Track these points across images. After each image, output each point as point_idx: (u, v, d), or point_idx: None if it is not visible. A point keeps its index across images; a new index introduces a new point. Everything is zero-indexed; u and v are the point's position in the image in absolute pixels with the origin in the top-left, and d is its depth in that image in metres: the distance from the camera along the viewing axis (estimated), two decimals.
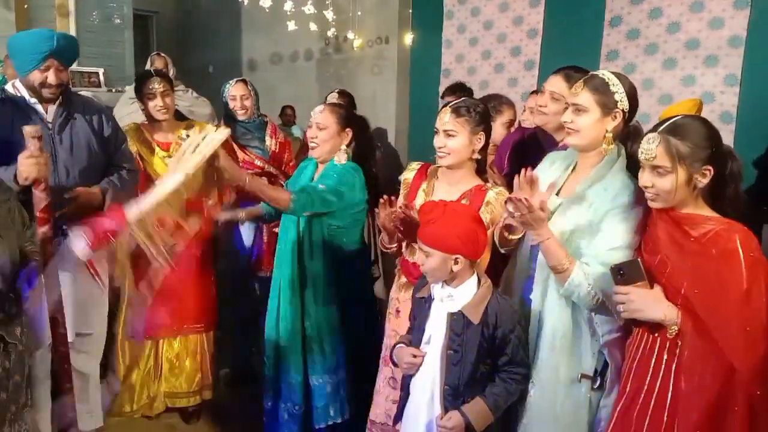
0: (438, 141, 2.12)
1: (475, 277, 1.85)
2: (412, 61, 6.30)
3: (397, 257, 2.38)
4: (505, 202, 1.78)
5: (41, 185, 2.09)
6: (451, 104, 2.13)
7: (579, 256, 1.78)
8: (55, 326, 2.31)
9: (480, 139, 2.11)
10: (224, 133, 2.07)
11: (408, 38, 6.15)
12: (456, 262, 1.78)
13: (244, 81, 3.42)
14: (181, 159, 2.01)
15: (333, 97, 3.44)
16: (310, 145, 2.53)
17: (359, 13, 6.24)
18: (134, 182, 2.73)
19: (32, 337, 2.17)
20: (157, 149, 2.98)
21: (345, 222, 2.52)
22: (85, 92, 4.08)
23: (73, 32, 4.88)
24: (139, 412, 3.09)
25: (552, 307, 1.88)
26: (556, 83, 2.27)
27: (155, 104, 2.92)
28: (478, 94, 3.96)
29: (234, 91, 3.34)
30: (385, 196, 2.12)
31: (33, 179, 2.08)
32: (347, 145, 2.55)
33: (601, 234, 1.77)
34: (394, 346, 2.02)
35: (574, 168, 1.95)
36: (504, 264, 2.16)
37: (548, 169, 1.99)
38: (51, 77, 2.36)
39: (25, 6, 4.78)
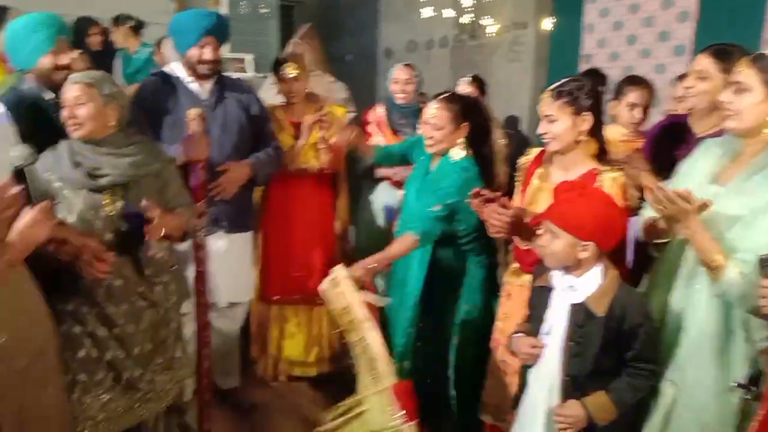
0: (541, 127, 2.06)
1: (600, 267, 1.76)
2: (550, 46, 6.10)
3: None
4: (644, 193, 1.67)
5: (200, 164, 2.27)
6: (551, 87, 2.05)
7: (736, 251, 1.64)
8: (199, 295, 2.52)
9: (585, 120, 2.00)
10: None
11: (546, 23, 5.96)
12: (585, 249, 1.71)
13: (410, 66, 3.43)
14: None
15: (465, 82, 3.41)
16: (426, 142, 2.50)
17: None
18: (279, 159, 2.89)
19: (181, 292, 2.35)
20: (287, 128, 3.11)
21: (470, 224, 2.48)
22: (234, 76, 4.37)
23: None
24: (271, 378, 3.27)
25: (699, 305, 1.75)
26: (703, 61, 2.10)
27: (286, 88, 3.07)
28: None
29: (398, 75, 3.37)
30: (475, 189, 2.11)
31: (194, 159, 2.26)
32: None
33: (761, 228, 1.62)
34: (512, 334, 1.97)
35: (733, 157, 1.79)
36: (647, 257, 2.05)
37: (702, 158, 1.84)
38: (208, 53, 2.55)
39: None
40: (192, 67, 2.59)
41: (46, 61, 2.20)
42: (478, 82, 3.43)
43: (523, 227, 2.09)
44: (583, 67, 5.65)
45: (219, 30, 2.57)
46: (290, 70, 3.04)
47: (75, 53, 2.35)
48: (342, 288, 2.17)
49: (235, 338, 3.03)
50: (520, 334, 1.92)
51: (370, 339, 2.07)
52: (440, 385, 2.59)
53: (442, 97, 2.53)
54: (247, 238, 2.82)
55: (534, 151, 2.30)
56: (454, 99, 2.54)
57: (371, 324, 2.08)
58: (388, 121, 3.38)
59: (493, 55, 6.40)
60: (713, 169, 1.80)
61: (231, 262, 2.72)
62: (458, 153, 2.48)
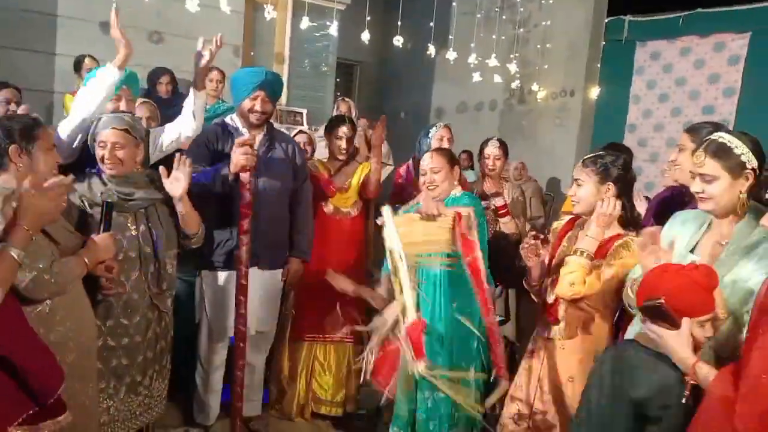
0: (571, 190, 2.30)
1: None
2: (596, 114, 6.26)
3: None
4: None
5: (247, 179, 2.60)
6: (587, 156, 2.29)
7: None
8: (239, 322, 2.77)
9: (607, 190, 2.20)
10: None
11: (594, 92, 6.14)
12: None
13: (448, 127, 3.66)
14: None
15: (494, 144, 3.58)
16: (429, 188, 2.72)
17: (546, 66, 6.37)
18: (311, 220, 3.22)
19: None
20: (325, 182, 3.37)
21: None
22: (288, 128, 4.70)
23: (285, 77, 5.65)
24: (295, 414, 3.41)
25: None
26: (683, 138, 2.29)
27: (339, 145, 3.34)
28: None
29: (442, 133, 3.57)
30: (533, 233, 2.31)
31: (243, 168, 2.58)
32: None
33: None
34: None
35: (708, 226, 1.90)
36: None
37: (679, 228, 1.96)
38: (258, 105, 2.85)
39: (252, 54, 5.64)
40: (245, 117, 2.89)
41: (109, 107, 2.64)
42: (503, 145, 3.62)
43: None
44: (627, 135, 5.78)
45: (269, 85, 2.87)
46: (348, 131, 3.34)
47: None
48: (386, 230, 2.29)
49: (260, 368, 3.22)
50: None
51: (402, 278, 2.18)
52: None
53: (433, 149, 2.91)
54: (277, 274, 3.06)
55: (567, 216, 2.46)
56: (444, 149, 2.93)
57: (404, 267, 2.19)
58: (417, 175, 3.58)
59: (540, 120, 6.59)
60: (690, 240, 1.90)
61: (261, 294, 2.96)
62: (458, 190, 2.78)
